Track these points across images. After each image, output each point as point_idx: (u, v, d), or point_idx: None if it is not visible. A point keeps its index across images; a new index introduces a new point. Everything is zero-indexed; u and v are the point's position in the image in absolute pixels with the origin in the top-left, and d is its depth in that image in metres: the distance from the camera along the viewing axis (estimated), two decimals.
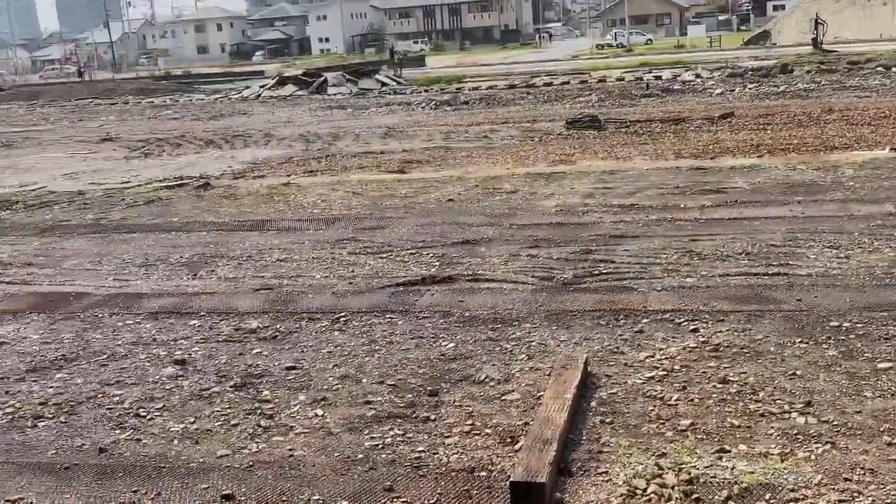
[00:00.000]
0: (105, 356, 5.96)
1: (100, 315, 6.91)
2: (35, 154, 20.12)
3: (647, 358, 5.35)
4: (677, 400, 4.73)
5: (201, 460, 4.36)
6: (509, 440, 4.38)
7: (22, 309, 7.19)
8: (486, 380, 5.17)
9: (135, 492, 4.09)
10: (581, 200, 10.25)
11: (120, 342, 6.23)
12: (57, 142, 22.86)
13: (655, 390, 4.88)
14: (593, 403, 4.77)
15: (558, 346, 5.65)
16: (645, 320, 6.02)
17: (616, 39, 74.82)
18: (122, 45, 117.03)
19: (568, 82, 31.59)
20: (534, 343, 5.72)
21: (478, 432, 4.50)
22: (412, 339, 5.95)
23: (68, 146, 21.46)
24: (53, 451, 4.56)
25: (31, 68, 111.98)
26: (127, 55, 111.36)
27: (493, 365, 5.39)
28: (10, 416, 5.02)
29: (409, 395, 5.01)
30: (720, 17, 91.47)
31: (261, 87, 39.69)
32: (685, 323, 5.91)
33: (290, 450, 4.43)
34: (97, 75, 76.24)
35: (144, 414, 4.95)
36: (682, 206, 9.60)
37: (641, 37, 78.80)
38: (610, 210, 9.62)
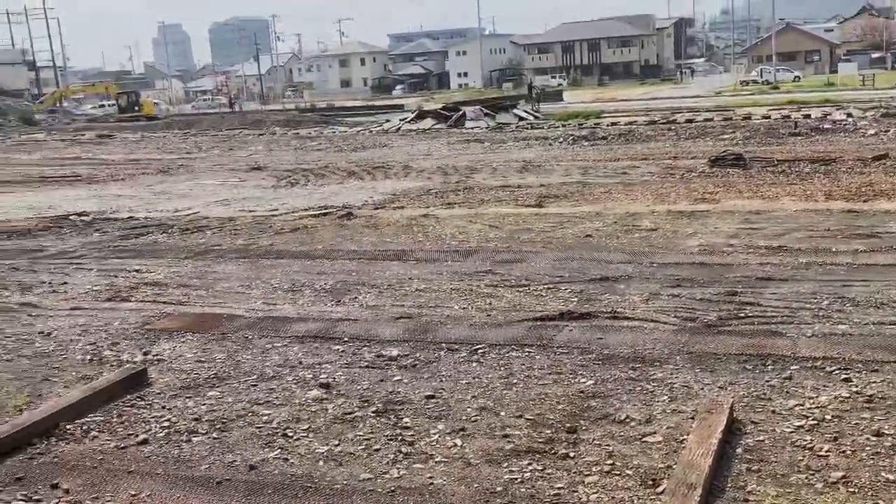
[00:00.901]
0: (254, 376, 6.20)
1: (249, 337, 7.20)
2: (189, 181, 21.19)
3: (795, 406, 5.17)
4: (828, 451, 4.54)
5: (345, 483, 4.48)
6: (651, 483, 4.30)
7: (178, 328, 7.57)
8: (627, 419, 5.10)
9: None
10: (725, 240, 10.01)
11: (268, 363, 6.48)
12: (209, 169, 24.01)
13: (805, 440, 4.71)
14: (739, 450, 4.64)
15: (702, 389, 5.53)
16: (794, 367, 5.81)
17: (762, 76, 72.89)
18: (269, 78, 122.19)
19: (711, 119, 30.95)
20: (676, 384, 5.62)
21: (618, 472, 4.45)
22: (550, 374, 5.94)
23: (219, 174, 22.50)
24: (206, 466, 4.77)
25: (185, 98, 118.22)
26: (274, 88, 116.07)
27: (634, 405, 5.32)
28: (166, 430, 5.29)
29: (548, 431, 5.00)
30: (873, 55, 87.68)
31: (401, 120, 40.61)
32: (836, 371, 5.68)
33: (430, 478, 4.49)
34: (246, 106, 79.83)
35: (291, 434, 5.12)
36: (833, 249, 9.24)
37: (789, 73, 76.49)
38: (756, 251, 9.35)
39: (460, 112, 38.26)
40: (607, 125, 31.56)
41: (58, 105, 74.01)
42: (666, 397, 5.42)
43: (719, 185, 14.80)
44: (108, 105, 77.72)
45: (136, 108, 67.95)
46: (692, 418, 4.98)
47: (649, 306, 7.42)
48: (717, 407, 4.99)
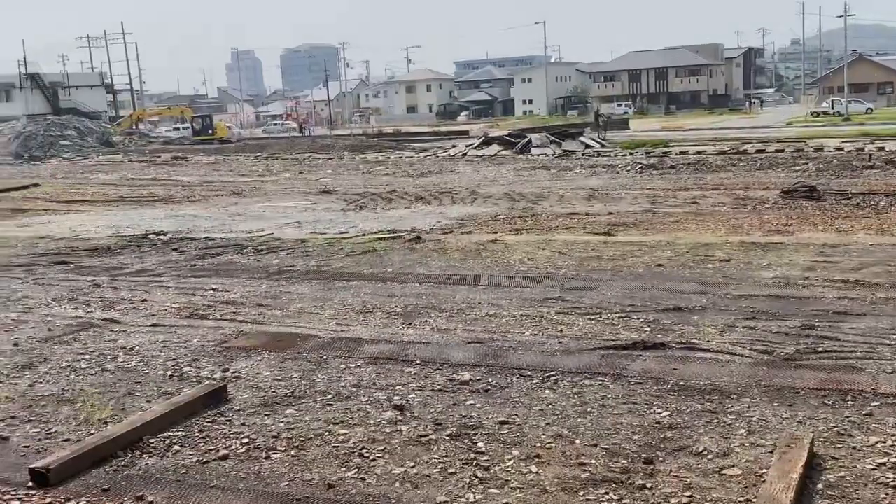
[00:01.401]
0: (330, 396, 6.30)
1: (324, 357, 7.32)
2: (261, 202, 21.60)
3: (877, 443, 5.07)
4: None
5: None
6: None
7: (255, 346, 7.73)
8: (704, 452, 5.06)
9: None
10: (800, 273, 9.85)
11: (343, 384, 6.58)
12: (280, 192, 24.45)
13: (888, 478, 4.62)
14: (819, 486, 4.57)
15: (780, 423, 5.46)
16: (874, 403, 5.70)
17: (833, 107, 71.56)
18: (337, 104, 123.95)
19: (782, 150, 30.50)
20: (754, 418, 5.55)
21: None
22: (625, 404, 5.92)
23: (291, 196, 22.89)
24: (286, 483, 4.87)
25: (256, 122, 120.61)
26: (342, 113, 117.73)
27: (711, 437, 5.27)
28: (246, 447, 5.41)
29: (624, 461, 4.99)
30: None
31: (466, 146, 40.82)
32: None
33: (507, 503, 4.52)
34: (315, 131, 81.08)
35: (367, 454, 5.20)
36: None
37: (861, 105, 74.94)
38: (832, 285, 9.19)
39: (526, 138, 38.33)
40: (676, 154, 31.30)
41: (134, 127, 76.04)
42: (744, 430, 5.36)
43: (793, 216, 14.58)
44: (183, 128, 79.64)
45: (210, 131, 69.49)
46: (771, 452, 4.92)
47: (724, 338, 7.34)
48: (796, 441, 4.93)
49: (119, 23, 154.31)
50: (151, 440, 5.49)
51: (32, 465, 5.01)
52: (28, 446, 5.57)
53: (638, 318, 8.14)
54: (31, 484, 4.94)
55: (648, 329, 7.76)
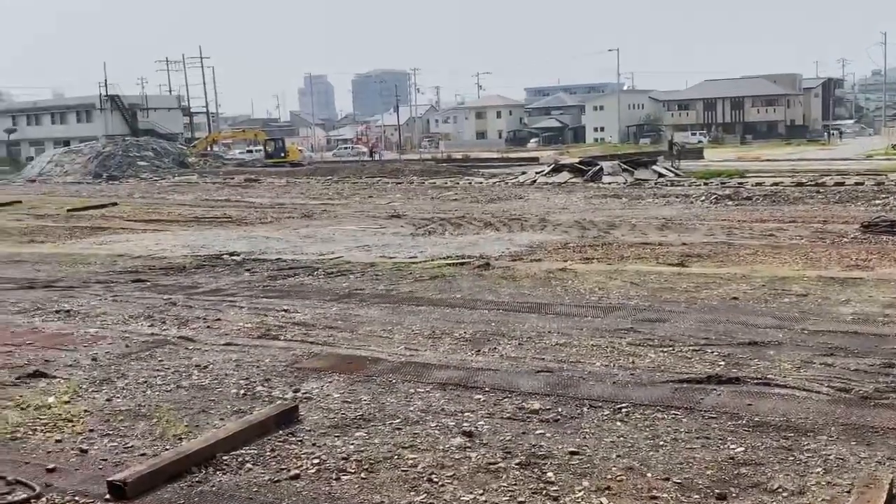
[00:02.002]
0: (399, 420, 6.33)
1: (393, 381, 7.36)
2: (331, 225, 21.88)
3: None
4: None
5: None
6: None
7: (325, 368, 7.81)
8: (779, 489, 4.94)
9: None
10: (880, 310, 9.57)
11: (412, 408, 6.60)
12: (350, 215, 24.73)
13: None
14: None
15: (858, 462, 5.30)
16: None
17: None
18: (407, 128, 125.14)
19: (862, 183, 29.73)
20: (831, 456, 5.40)
21: None
22: (698, 438, 5.82)
23: (360, 220, 23.14)
24: None
25: (326, 146, 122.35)
26: (412, 138, 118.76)
27: (787, 475, 5.14)
28: (317, 467, 5.46)
29: (696, 496, 4.90)
30: None
31: (536, 172, 40.76)
32: None
33: None
34: (384, 155, 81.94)
35: (436, 480, 5.20)
36: None
37: None
38: None
39: (598, 166, 38.11)
40: (752, 185, 30.76)
41: (209, 149, 77.79)
42: (820, 469, 5.22)
43: (873, 251, 14.19)
44: (256, 150, 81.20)
45: (282, 154, 70.67)
46: (848, 492, 4.79)
47: (801, 374, 7.17)
48: (875, 482, 4.79)
49: (197, 46, 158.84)
50: (225, 457, 5.58)
51: (110, 478, 5.13)
52: (105, 459, 5.71)
53: (712, 352, 8.00)
54: (108, 496, 5.06)
55: (723, 363, 7.62)
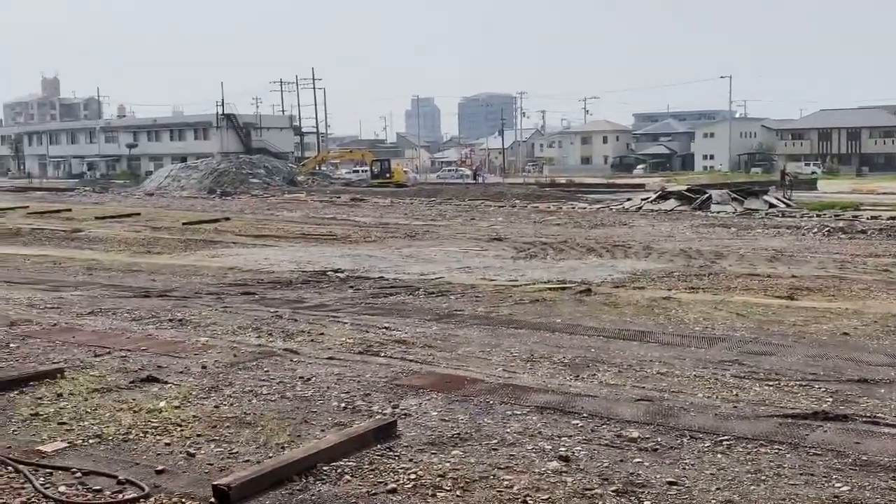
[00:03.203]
0: (495, 441, 6.36)
1: (490, 402, 7.39)
2: (434, 246, 22.11)
3: None
4: None
5: None
6: None
7: (423, 386, 7.91)
8: None
9: None
10: None
11: (509, 430, 6.61)
12: (452, 237, 24.94)
13: None
14: None
15: None
16: None
17: None
18: (511, 152, 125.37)
19: None
20: None
21: None
22: (802, 474, 5.65)
23: (462, 242, 23.31)
24: None
25: (430, 168, 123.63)
26: (516, 161, 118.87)
27: None
28: (413, 483, 5.53)
29: None
30: None
31: (642, 199, 40.27)
32: None
33: None
34: (488, 178, 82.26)
35: (531, 502, 5.20)
36: None
37: None
38: None
39: (706, 195, 37.40)
40: (867, 218, 29.67)
41: (317, 168, 79.69)
42: None
43: None
44: (362, 170, 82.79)
45: (388, 174, 71.85)
46: None
47: None
48: None
49: (310, 68, 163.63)
50: (325, 468, 5.71)
51: (216, 482, 5.32)
52: (212, 464, 5.92)
53: (819, 388, 7.76)
54: (213, 500, 5.24)
55: (830, 399, 7.39)
